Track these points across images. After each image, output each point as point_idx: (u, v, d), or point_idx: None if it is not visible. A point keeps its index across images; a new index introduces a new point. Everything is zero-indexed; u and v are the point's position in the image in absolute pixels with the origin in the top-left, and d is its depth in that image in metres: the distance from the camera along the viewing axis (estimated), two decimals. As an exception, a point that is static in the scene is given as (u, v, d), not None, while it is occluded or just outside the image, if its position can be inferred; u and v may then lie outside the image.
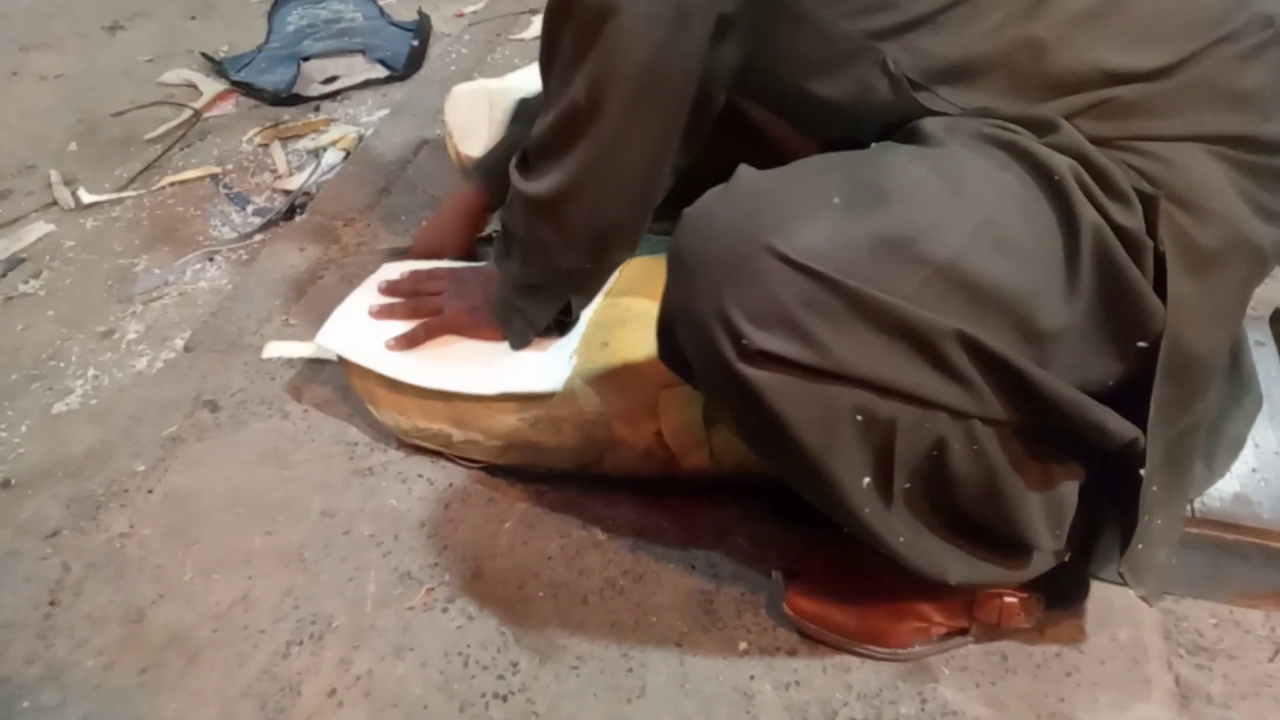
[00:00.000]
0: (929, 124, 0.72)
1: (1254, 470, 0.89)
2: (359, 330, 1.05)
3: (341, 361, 1.06)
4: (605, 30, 0.73)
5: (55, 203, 1.57)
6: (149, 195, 1.58)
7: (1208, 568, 0.88)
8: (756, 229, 0.63)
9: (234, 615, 0.94)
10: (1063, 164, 0.67)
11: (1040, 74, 0.70)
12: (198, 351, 1.24)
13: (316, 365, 1.19)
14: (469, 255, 1.18)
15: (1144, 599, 0.76)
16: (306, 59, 1.83)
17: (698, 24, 0.74)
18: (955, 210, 0.65)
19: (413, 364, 1.01)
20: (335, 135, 1.68)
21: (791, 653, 0.88)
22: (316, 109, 1.78)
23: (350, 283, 1.17)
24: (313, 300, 1.29)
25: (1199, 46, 0.68)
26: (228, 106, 1.81)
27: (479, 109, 1.36)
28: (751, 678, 0.87)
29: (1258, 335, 0.99)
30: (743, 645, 0.89)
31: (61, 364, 1.27)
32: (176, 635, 0.92)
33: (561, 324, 1.01)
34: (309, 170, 1.59)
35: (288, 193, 1.54)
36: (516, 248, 0.93)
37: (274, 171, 1.61)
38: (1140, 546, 0.74)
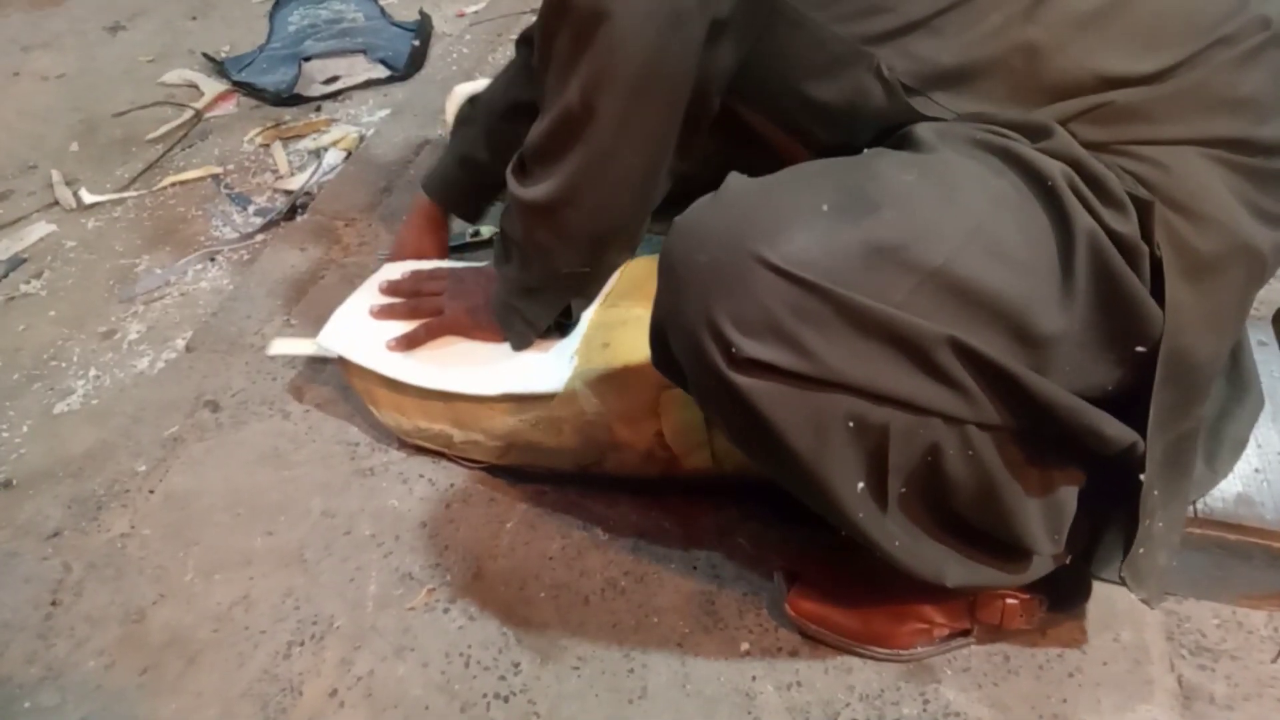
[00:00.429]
0: (922, 130, 0.72)
1: (1257, 471, 0.89)
2: (360, 330, 1.05)
3: (342, 361, 1.06)
4: (599, 34, 0.73)
5: (57, 203, 1.57)
6: (150, 195, 1.58)
7: (1211, 569, 0.88)
8: (745, 237, 0.63)
9: (234, 616, 0.94)
10: (1055, 169, 0.67)
11: (1036, 78, 0.70)
12: (199, 352, 1.24)
13: (317, 365, 1.19)
14: (446, 254, 1.20)
15: (1145, 602, 0.76)
16: (308, 59, 1.83)
17: (692, 27, 0.74)
18: (946, 216, 0.65)
19: (414, 364, 1.01)
20: (336, 135, 1.68)
21: (793, 654, 0.88)
22: (318, 109, 1.78)
23: (351, 283, 1.17)
24: (314, 300, 1.29)
25: (1196, 50, 0.68)
26: (229, 107, 1.81)
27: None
28: (753, 679, 0.86)
29: (1260, 335, 0.99)
30: (745, 646, 0.89)
31: (63, 364, 1.27)
32: (177, 636, 0.92)
33: (562, 325, 1.01)
34: (310, 170, 1.59)
35: (289, 193, 1.54)
36: (515, 251, 0.93)
37: (275, 172, 1.61)
38: (1141, 550, 0.73)
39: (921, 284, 0.63)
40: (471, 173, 1.14)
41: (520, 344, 1.00)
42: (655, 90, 0.76)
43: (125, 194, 1.58)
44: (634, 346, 0.96)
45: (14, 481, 1.10)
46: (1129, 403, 0.70)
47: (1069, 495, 0.75)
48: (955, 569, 0.77)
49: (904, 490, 0.71)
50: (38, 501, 1.06)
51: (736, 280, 0.63)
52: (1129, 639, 0.87)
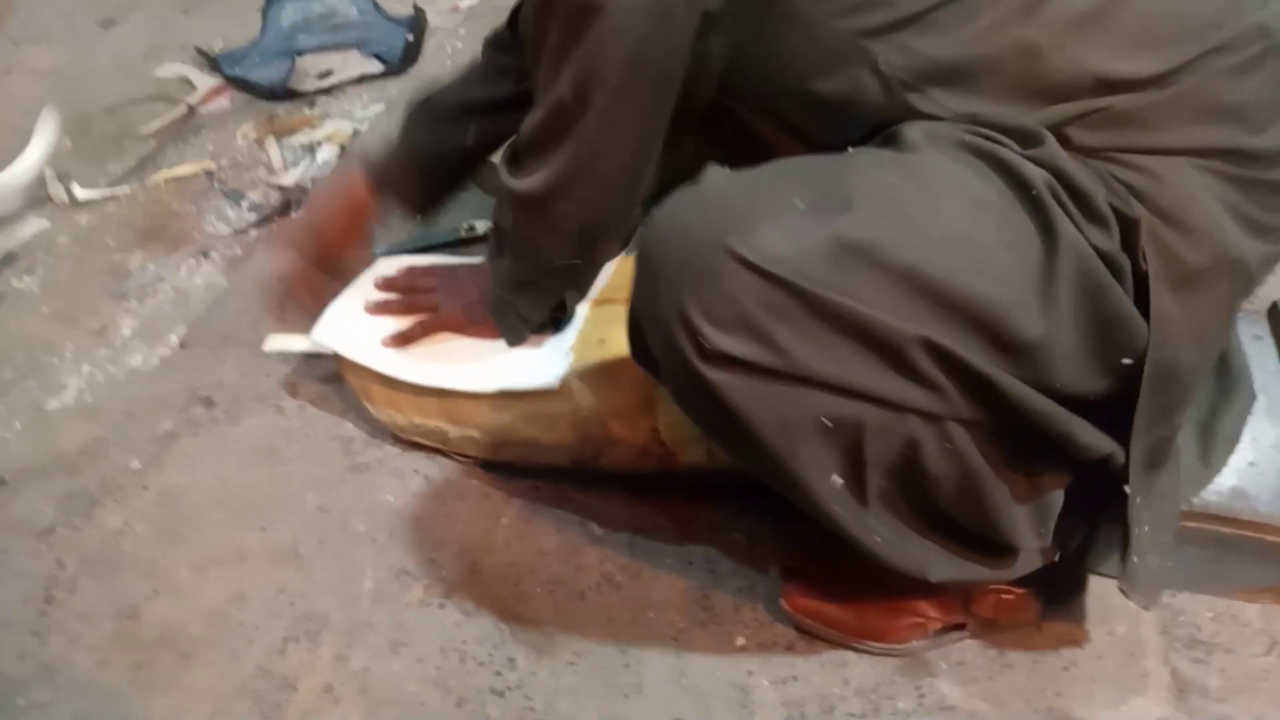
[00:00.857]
0: (910, 129, 0.71)
1: (1251, 464, 0.89)
2: (354, 326, 1.04)
3: (337, 357, 1.06)
4: (590, 26, 0.73)
5: (49, 198, 1.56)
6: (143, 191, 1.57)
7: (1206, 562, 0.88)
8: (717, 231, 0.63)
9: (229, 612, 0.93)
10: (1039, 178, 0.66)
11: (1034, 79, 0.69)
12: (192, 348, 1.24)
13: (312, 361, 1.19)
14: (361, 241, 1.13)
15: (1144, 607, 0.76)
16: (301, 54, 1.82)
17: (682, 19, 0.74)
18: (923, 217, 0.65)
19: (408, 361, 1.01)
20: (330, 130, 1.67)
21: (789, 648, 0.88)
22: (311, 104, 1.77)
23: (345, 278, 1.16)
24: (308, 296, 1.29)
25: (1194, 55, 0.67)
26: (222, 102, 1.80)
27: (474, 104, 1.35)
28: (749, 673, 0.86)
29: (1255, 329, 0.99)
30: (740, 641, 0.89)
31: (55, 360, 1.26)
32: (170, 632, 0.92)
33: (556, 320, 1.01)
34: (304, 166, 1.58)
35: (283, 188, 1.54)
36: (508, 245, 0.93)
37: (269, 167, 1.60)
38: (1135, 559, 0.74)
39: (893, 283, 0.63)
40: (419, 162, 1.08)
41: (515, 339, 1.00)
42: (645, 83, 0.76)
43: (118, 189, 1.57)
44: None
45: (6, 478, 1.09)
46: (1112, 408, 0.70)
47: (1055, 492, 0.75)
48: (939, 564, 0.77)
49: (884, 485, 0.71)
50: (31, 498, 1.06)
51: (708, 274, 0.63)
52: (1123, 632, 0.88)
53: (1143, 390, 0.69)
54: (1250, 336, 0.96)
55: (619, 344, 0.96)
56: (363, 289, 1.09)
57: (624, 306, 0.99)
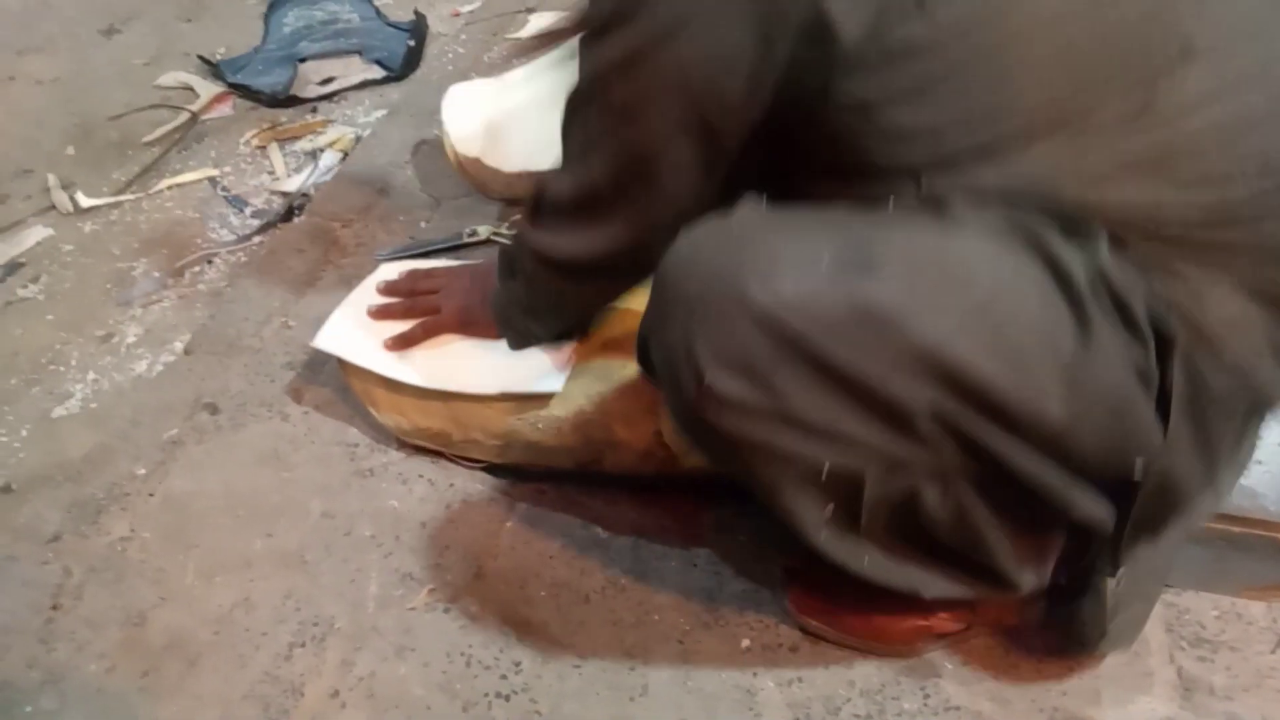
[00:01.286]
0: (955, 200, 0.67)
1: (1259, 463, 0.88)
2: (357, 332, 1.05)
3: (340, 363, 1.06)
4: (634, 129, 0.72)
5: (53, 207, 1.57)
6: (147, 198, 1.57)
7: (1213, 561, 0.88)
8: (737, 275, 0.63)
9: (235, 618, 0.94)
10: (1082, 276, 0.63)
11: (1084, 205, 0.64)
12: (197, 354, 1.24)
13: (316, 367, 1.19)
14: None
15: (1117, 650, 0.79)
16: (303, 60, 1.83)
17: (726, 142, 0.72)
18: (950, 293, 0.63)
19: (412, 364, 1.01)
20: (332, 136, 1.68)
21: (794, 649, 0.88)
22: (313, 110, 1.78)
23: (349, 284, 1.16)
24: (312, 302, 1.29)
25: (1262, 189, 0.63)
26: (225, 109, 1.81)
27: (476, 109, 1.36)
28: (754, 675, 0.87)
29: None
30: (745, 643, 0.89)
31: (60, 368, 1.27)
32: (177, 639, 0.92)
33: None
34: (306, 172, 1.58)
35: (286, 194, 1.54)
36: (521, 276, 0.92)
37: (271, 173, 1.61)
38: (1110, 627, 0.75)
39: (909, 355, 0.62)
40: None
41: (519, 347, 1.00)
42: (686, 193, 0.75)
43: (122, 197, 1.57)
44: (633, 346, 0.96)
45: (13, 486, 1.09)
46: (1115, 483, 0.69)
47: (1054, 537, 0.75)
48: (934, 584, 0.77)
49: (878, 519, 0.71)
50: (37, 505, 1.06)
51: (721, 316, 0.63)
52: (1129, 632, 0.87)
53: (1140, 497, 0.68)
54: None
55: (623, 347, 0.97)
56: (365, 294, 1.09)
57: (629, 311, 1.00)
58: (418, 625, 0.92)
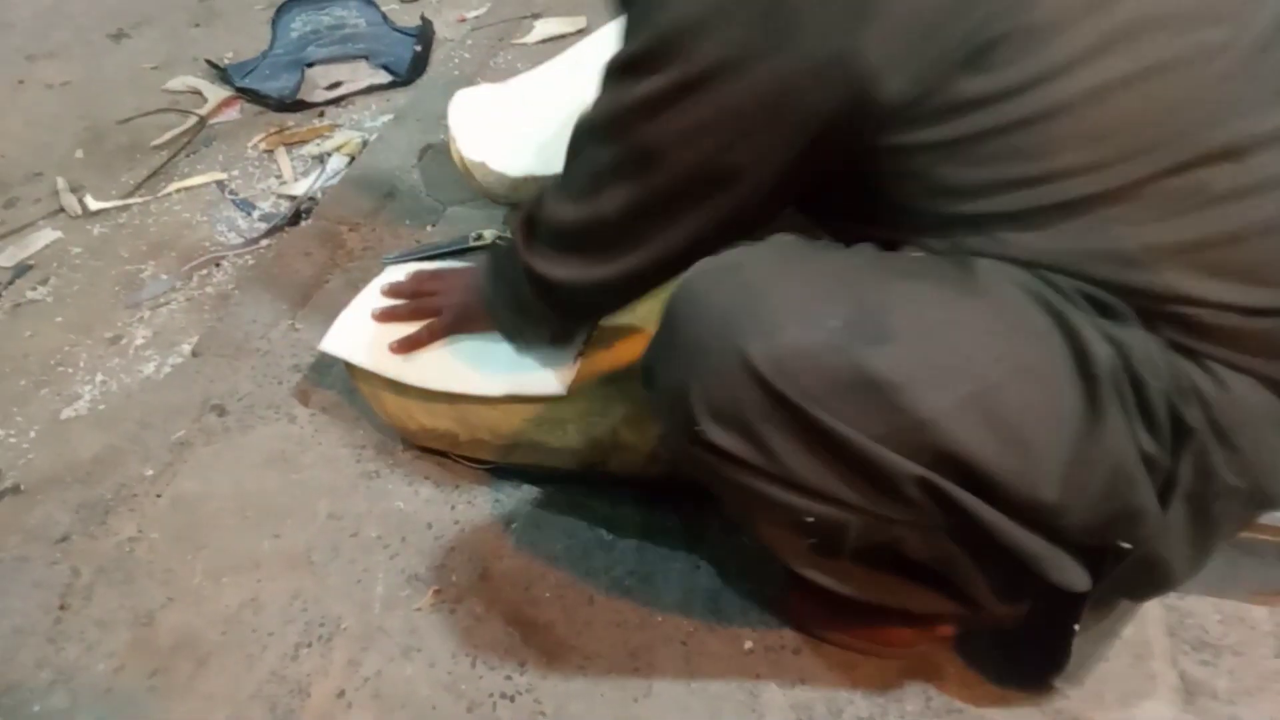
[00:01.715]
0: (983, 262, 0.65)
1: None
2: (363, 334, 1.05)
3: (347, 365, 1.07)
4: (649, 177, 0.69)
5: (62, 210, 1.58)
6: (155, 202, 1.58)
7: (1221, 565, 0.88)
8: (741, 330, 0.62)
9: (243, 618, 0.94)
10: (1104, 358, 0.61)
11: (1121, 284, 0.63)
12: (205, 356, 1.25)
13: (323, 369, 1.20)
14: None
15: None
16: (310, 65, 1.84)
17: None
18: (959, 374, 0.61)
19: (418, 366, 1.01)
20: (340, 141, 1.69)
21: (797, 651, 0.89)
22: (321, 115, 1.79)
23: (356, 287, 1.17)
24: (319, 305, 1.30)
25: None
26: (233, 113, 1.82)
27: (482, 113, 1.36)
28: (757, 676, 0.87)
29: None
30: (748, 644, 0.89)
31: (70, 370, 1.27)
32: (186, 639, 0.93)
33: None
34: (314, 176, 1.59)
35: (293, 198, 1.55)
36: (511, 285, 0.89)
37: (279, 177, 1.62)
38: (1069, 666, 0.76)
39: (907, 427, 0.61)
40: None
41: (520, 346, 0.99)
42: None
43: (130, 200, 1.58)
44: (638, 349, 0.96)
45: (22, 487, 1.10)
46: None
47: (1033, 579, 0.73)
48: (920, 601, 0.77)
49: (859, 554, 0.71)
50: (46, 506, 1.07)
51: (717, 370, 0.63)
52: (1131, 634, 0.88)
53: (1123, 566, 0.67)
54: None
55: (628, 352, 0.97)
56: (371, 297, 1.10)
57: (633, 313, 1.01)
58: (424, 626, 0.93)
